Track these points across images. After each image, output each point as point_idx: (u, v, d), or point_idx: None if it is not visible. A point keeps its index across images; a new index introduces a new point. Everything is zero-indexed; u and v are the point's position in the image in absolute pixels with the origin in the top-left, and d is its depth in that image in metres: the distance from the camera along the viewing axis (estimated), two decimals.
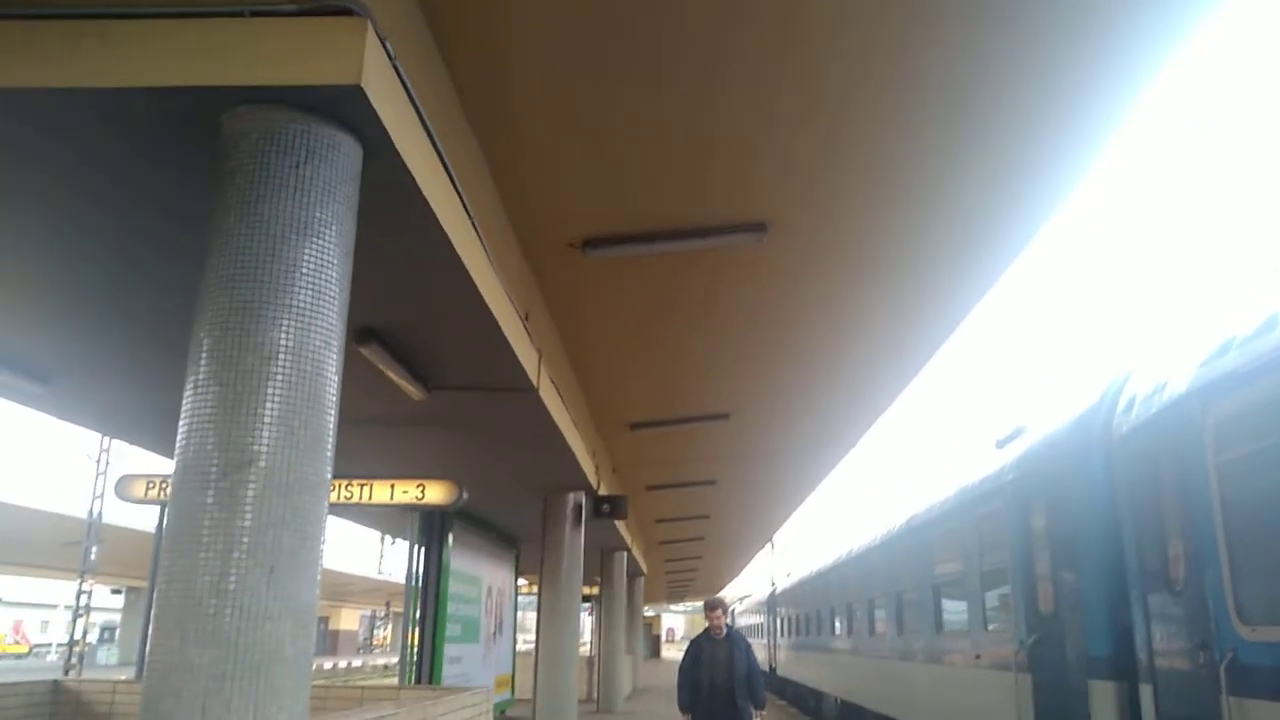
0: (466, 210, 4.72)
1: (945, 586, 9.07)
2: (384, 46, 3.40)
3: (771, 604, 27.53)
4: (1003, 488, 7.35)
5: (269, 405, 3.16)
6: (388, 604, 64.87)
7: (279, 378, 3.19)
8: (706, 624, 7.58)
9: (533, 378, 7.03)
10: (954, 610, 8.83)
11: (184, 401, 3.23)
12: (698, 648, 7.49)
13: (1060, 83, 4.87)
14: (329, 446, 3.36)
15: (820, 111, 5.05)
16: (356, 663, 45.43)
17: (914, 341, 9.56)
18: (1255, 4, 4.42)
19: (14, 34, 3.29)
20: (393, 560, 50.26)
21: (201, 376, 3.21)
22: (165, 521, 3.20)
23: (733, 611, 41.54)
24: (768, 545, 36.21)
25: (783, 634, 24.44)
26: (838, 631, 15.45)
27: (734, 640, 7.39)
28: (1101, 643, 5.56)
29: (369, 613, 73.17)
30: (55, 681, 7.96)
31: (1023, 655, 6.64)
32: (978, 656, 7.83)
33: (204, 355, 3.22)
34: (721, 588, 50.40)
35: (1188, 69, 4.77)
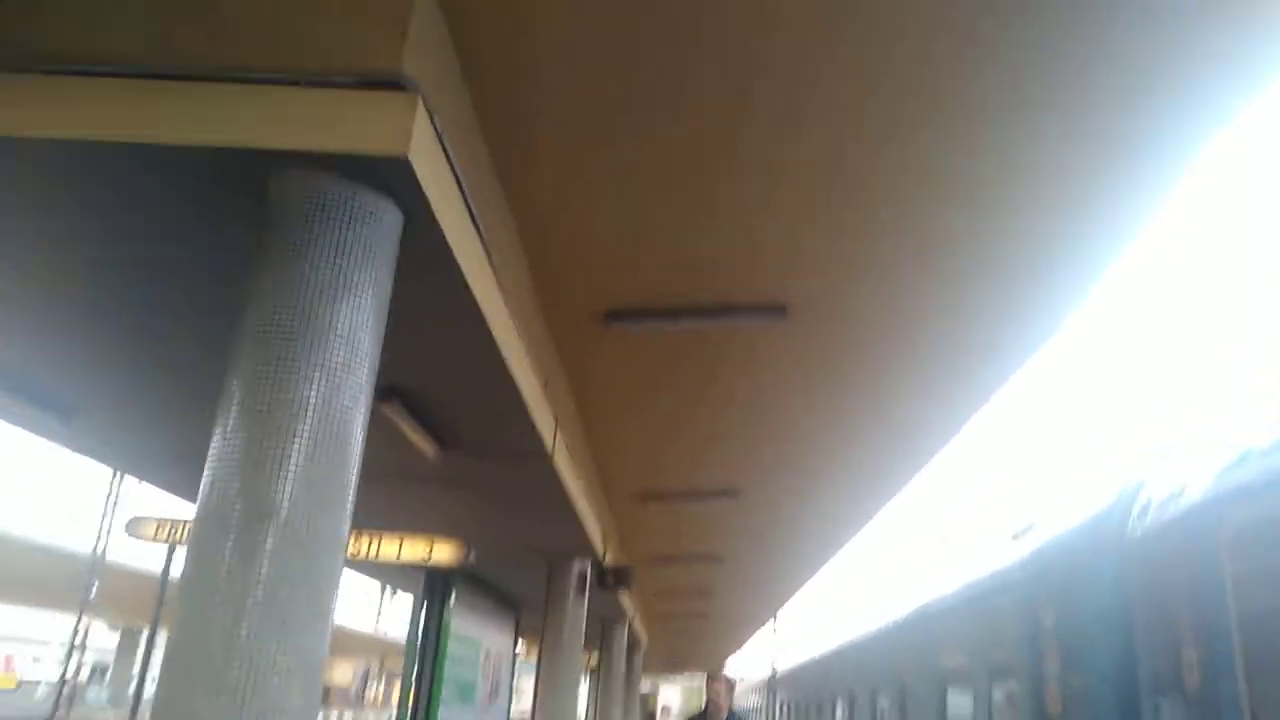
0: (496, 278, 4.83)
1: (952, 679, 8.91)
2: (432, 121, 3.54)
3: (771, 686, 26.98)
4: (1013, 584, 7.28)
5: (293, 459, 3.22)
6: (382, 661, 63.93)
7: (305, 434, 3.25)
8: (704, 702, 6.84)
9: (548, 444, 7.07)
10: (959, 705, 8.66)
11: (210, 449, 3.29)
12: None
13: (1095, 163, 4.93)
14: (349, 503, 3.41)
15: (845, 200, 5.17)
16: (348, 716, 44.63)
17: (927, 432, 9.57)
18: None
19: (76, 89, 3.44)
20: (388, 616, 49.79)
21: (230, 426, 3.27)
22: (183, 566, 3.24)
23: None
24: (770, 623, 35.62)
25: (783, 717, 23.90)
26: (838, 718, 15.12)
27: None
28: None
29: (364, 667, 72.07)
30: None
31: None
32: None
33: (234, 405, 3.29)
34: (722, 662, 49.43)
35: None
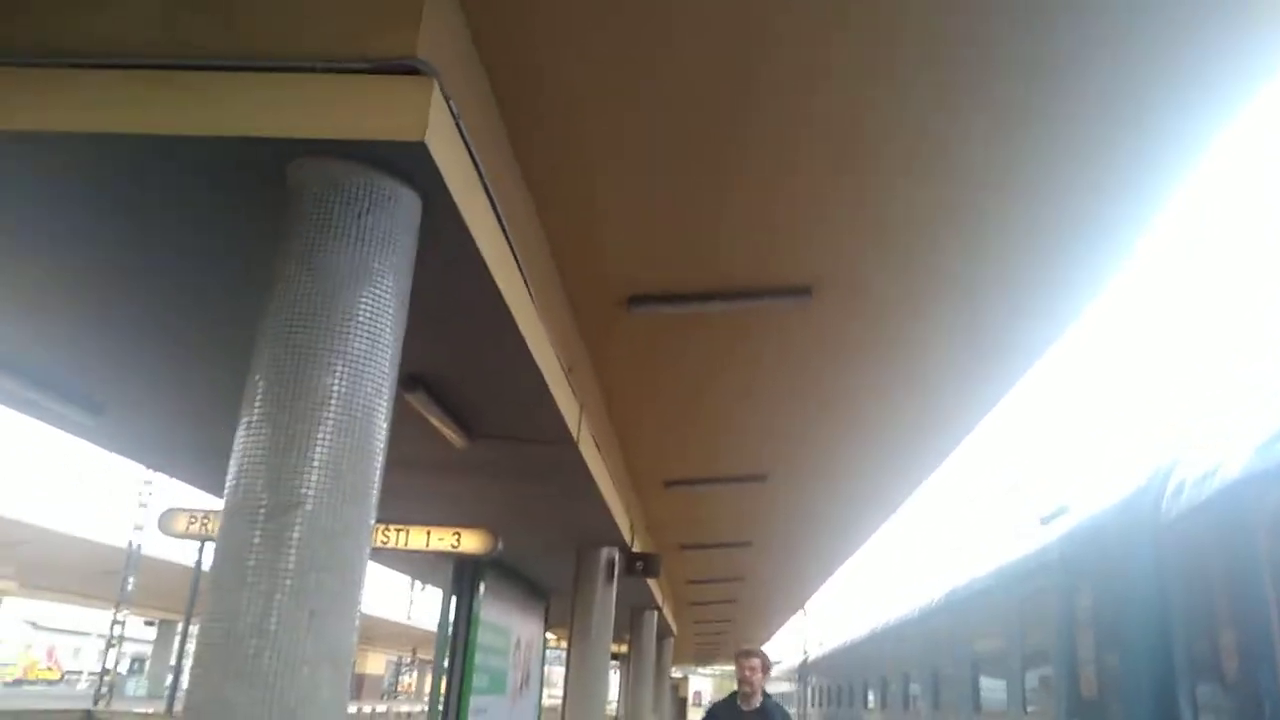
0: (518, 264, 4.81)
1: (984, 664, 8.84)
2: (448, 105, 3.51)
3: (803, 673, 26.96)
4: (1046, 566, 7.19)
5: (319, 449, 3.21)
6: (414, 650, 64.55)
7: (330, 423, 3.24)
8: (735, 684, 5.78)
9: (573, 431, 7.06)
10: (993, 689, 8.59)
11: (236, 441, 3.29)
12: None
13: (1125, 132, 4.83)
14: (374, 493, 3.40)
15: (873, 182, 5.11)
16: (381, 708, 45.12)
17: (957, 409, 9.46)
18: None
19: (92, 82, 3.44)
20: (420, 606, 50.22)
21: (255, 418, 3.27)
22: (212, 559, 3.25)
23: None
24: (800, 611, 35.57)
25: (813, 704, 23.88)
26: (871, 705, 15.07)
27: (770, 714, 5.59)
28: None
29: (395, 658, 72.83)
30: (88, 712, 8.02)
31: None
32: None
33: (259, 397, 3.29)
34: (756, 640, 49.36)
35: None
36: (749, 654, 5.61)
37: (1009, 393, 8.74)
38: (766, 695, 5.65)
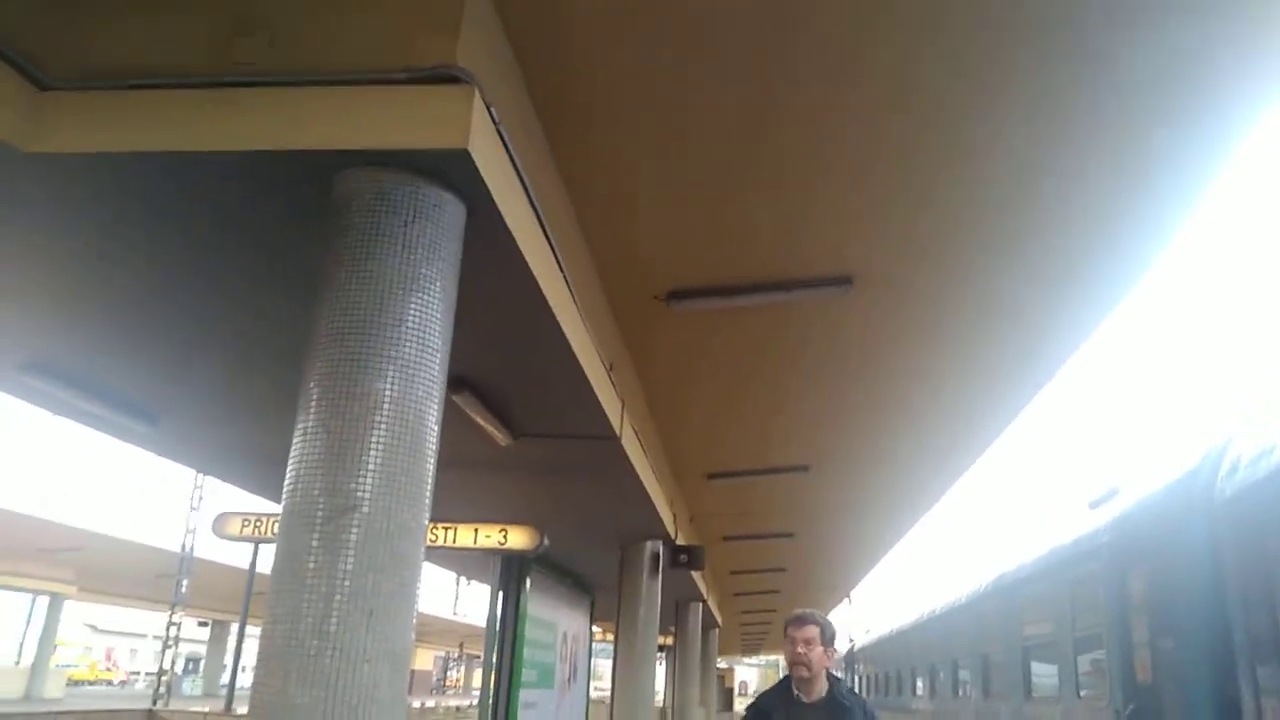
0: (560, 265, 4.86)
1: (1035, 650, 8.77)
2: (489, 112, 3.56)
3: (850, 660, 26.86)
4: (1098, 550, 7.12)
5: (373, 453, 3.29)
6: (461, 645, 65.19)
7: (383, 427, 3.31)
8: (787, 666, 3.89)
9: (615, 427, 7.11)
10: (1044, 675, 8.52)
11: (292, 447, 3.37)
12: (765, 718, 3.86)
13: (1159, 125, 4.78)
14: (427, 494, 3.47)
15: (913, 170, 5.08)
16: (430, 703, 45.70)
17: (1000, 397, 9.37)
18: None
19: (143, 103, 3.54)
20: (466, 602, 50.69)
21: (310, 424, 3.35)
22: (272, 563, 3.33)
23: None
24: (845, 600, 35.41)
25: (863, 692, 23.80)
26: (920, 692, 15.00)
27: (849, 712, 3.73)
28: (1206, 715, 5.31)
29: (443, 654, 73.62)
30: (149, 711, 8.24)
31: None
32: None
33: (313, 403, 3.37)
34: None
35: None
36: (801, 620, 3.88)
37: (1054, 377, 8.64)
38: (836, 679, 3.92)
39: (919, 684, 15.10)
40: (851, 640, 28.37)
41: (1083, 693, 7.35)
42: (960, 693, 11.85)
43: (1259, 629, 4.81)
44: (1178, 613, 5.72)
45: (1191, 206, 5.45)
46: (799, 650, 3.80)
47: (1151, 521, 6.30)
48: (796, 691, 3.83)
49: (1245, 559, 5.00)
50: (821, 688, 3.81)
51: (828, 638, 3.87)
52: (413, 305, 3.45)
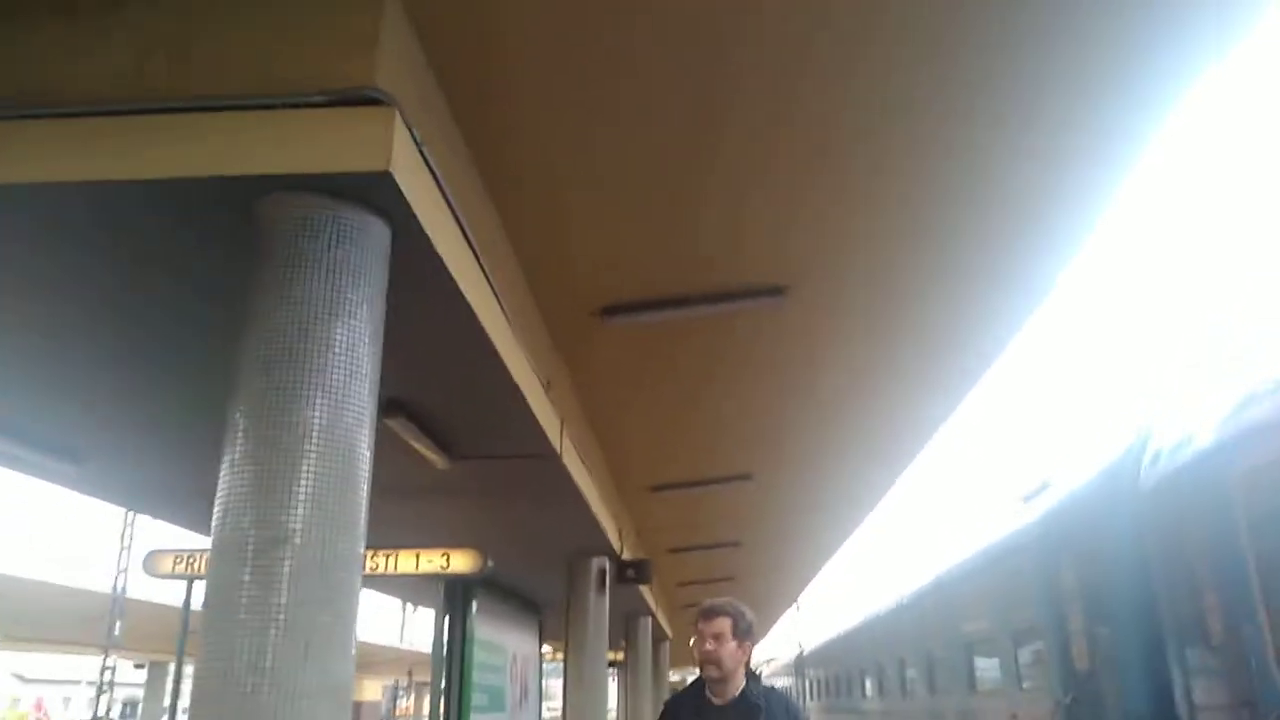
0: (490, 284, 4.83)
1: (977, 645, 8.93)
2: (411, 133, 3.53)
3: (799, 665, 27.03)
4: (1031, 543, 7.29)
5: (303, 483, 3.22)
6: (410, 673, 64.02)
7: (313, 456, 3.25)
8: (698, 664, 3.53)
9: (556, 445, 7.08)
10: (987, 669, 8.68)
11: (220, 480, 3.29)
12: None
13: (1082, 118, 4.92)
14: (362, 522, 3.41)
15: (847, 175, 5.16)
16: None
17: (933, 400, 9.57)
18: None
19: (52, 131, 3.44)
20: (414, 629, 49.84)
21: (237, 456, 3.27)
22: (204, 599, 3.24)
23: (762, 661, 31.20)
24: (793, 606, 35.68)
25: (812, 696, 23.94)
26: (869, 693, 15.16)
27: (766, 711, 3.37)
28: (1141, 699, 5.46)
29: (391, 683, 72.23)
30: None
31: (1060, 714, 6.52)
32: (1014, 716, 7.68)
33: (240, 434, 3.29)
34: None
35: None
36: (710, 612, 3.52)
37: (987, 372, 8.84)
38: (753, 677, 3.52)
39: (867, 684, 15.25)
40: (800, 646, 28.54)
41: (1025, 684, 7.50)
42: (907, 690, 12.00)
43: (1184, 613, 4.97)
44: (1110, 602, 5.88)
45: (1118, 187, 5.54)
46: (707, 647, 3.45)
47: (1081, 513, 6.47)
48: (708, 693, 3.49)
49: (1169, 547, 5.16)
50: (736, 686, 3.45)
51: (742, 630, 3.51)
52: (339, 330, 3.39)
